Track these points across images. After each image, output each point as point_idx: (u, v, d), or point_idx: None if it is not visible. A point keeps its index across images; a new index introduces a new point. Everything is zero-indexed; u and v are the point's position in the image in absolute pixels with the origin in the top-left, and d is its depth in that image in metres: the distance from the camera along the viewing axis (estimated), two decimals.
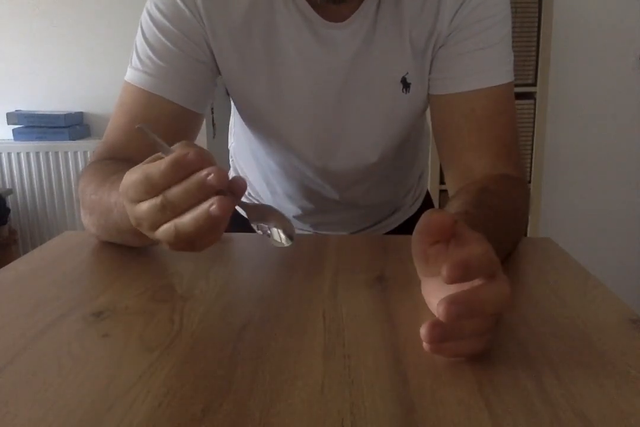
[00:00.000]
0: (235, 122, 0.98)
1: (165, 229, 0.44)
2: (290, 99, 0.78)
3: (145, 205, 0.44)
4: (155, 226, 0.45)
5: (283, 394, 0.38)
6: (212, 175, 0.41)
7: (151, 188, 0.43)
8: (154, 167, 0.43)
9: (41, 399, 0.38)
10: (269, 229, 0.47)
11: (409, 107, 0.81)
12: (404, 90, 0.78)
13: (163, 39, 0.73)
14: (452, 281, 0.39)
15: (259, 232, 0.47)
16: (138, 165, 0.46)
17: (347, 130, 0.82)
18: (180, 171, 0.42)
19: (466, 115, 0.75)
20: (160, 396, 0.38)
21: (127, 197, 0.46)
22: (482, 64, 0.74)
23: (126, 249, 0.66)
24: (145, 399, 0.37)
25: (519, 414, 0.36)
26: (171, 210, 0.43)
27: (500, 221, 0.61)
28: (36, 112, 2.34)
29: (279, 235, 0.47)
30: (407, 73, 0.77)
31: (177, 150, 0.43)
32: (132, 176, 0.45)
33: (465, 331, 0.41)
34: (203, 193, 0.42)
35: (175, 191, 0.42)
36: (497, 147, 0.74)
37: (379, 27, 0.74)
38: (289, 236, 0.47)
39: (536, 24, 2.03)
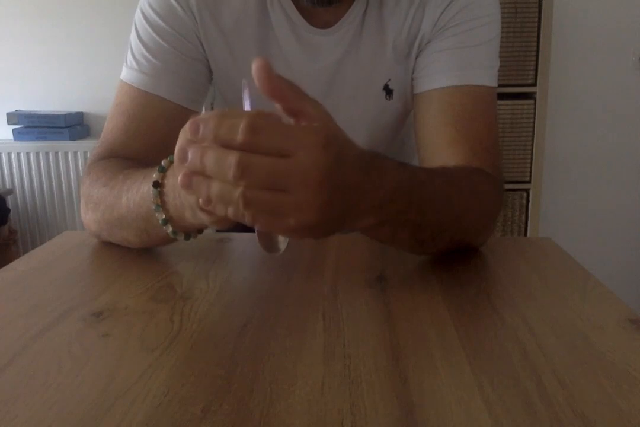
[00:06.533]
0: None
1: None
2: None
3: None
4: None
5: (283, 394, 0.38)
6: None
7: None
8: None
9: (41, 399, 0.38)
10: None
11: (393, 114, 0.80)
12: (387, 97, 0.78)
13: (157, 37, 0.73)
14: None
15: None
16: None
17: None
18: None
19: (444, 111, 0.72)
20: (160, 396, 0.38)
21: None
22: (462, 62, 0.72)
23: (126, 249, 0.66)
24: (145, 399, 0.37)
25: (519, 414, 0.36)
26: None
27: (448, 188, 0.57)
28: (36, 112, 2.34)
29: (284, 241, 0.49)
30: (390, 80, 0.76)
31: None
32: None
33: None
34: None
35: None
36: (474, 146, 0.71)
37: (364, 35, 0.74)
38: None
39: (536, 24, 2.02)
